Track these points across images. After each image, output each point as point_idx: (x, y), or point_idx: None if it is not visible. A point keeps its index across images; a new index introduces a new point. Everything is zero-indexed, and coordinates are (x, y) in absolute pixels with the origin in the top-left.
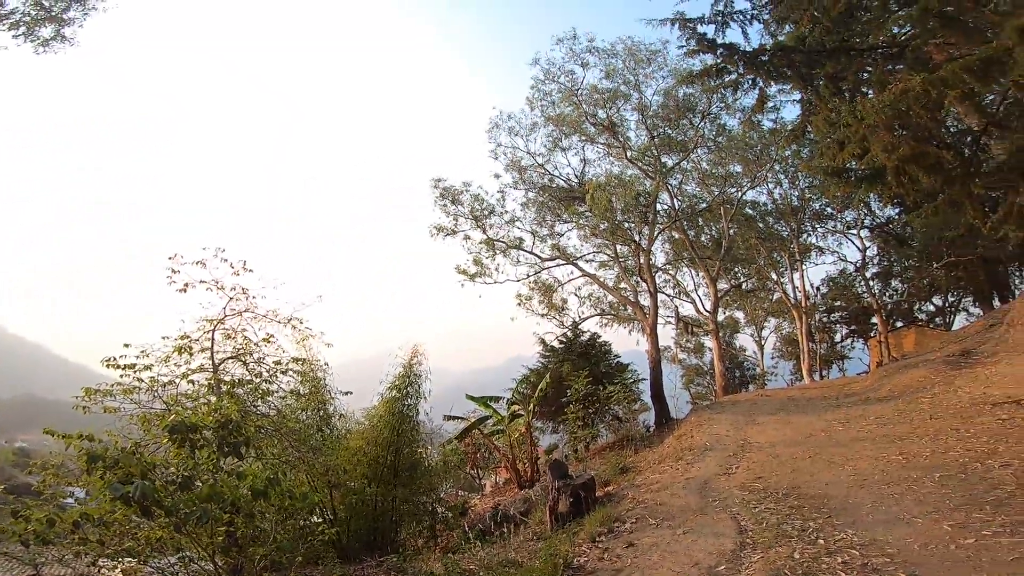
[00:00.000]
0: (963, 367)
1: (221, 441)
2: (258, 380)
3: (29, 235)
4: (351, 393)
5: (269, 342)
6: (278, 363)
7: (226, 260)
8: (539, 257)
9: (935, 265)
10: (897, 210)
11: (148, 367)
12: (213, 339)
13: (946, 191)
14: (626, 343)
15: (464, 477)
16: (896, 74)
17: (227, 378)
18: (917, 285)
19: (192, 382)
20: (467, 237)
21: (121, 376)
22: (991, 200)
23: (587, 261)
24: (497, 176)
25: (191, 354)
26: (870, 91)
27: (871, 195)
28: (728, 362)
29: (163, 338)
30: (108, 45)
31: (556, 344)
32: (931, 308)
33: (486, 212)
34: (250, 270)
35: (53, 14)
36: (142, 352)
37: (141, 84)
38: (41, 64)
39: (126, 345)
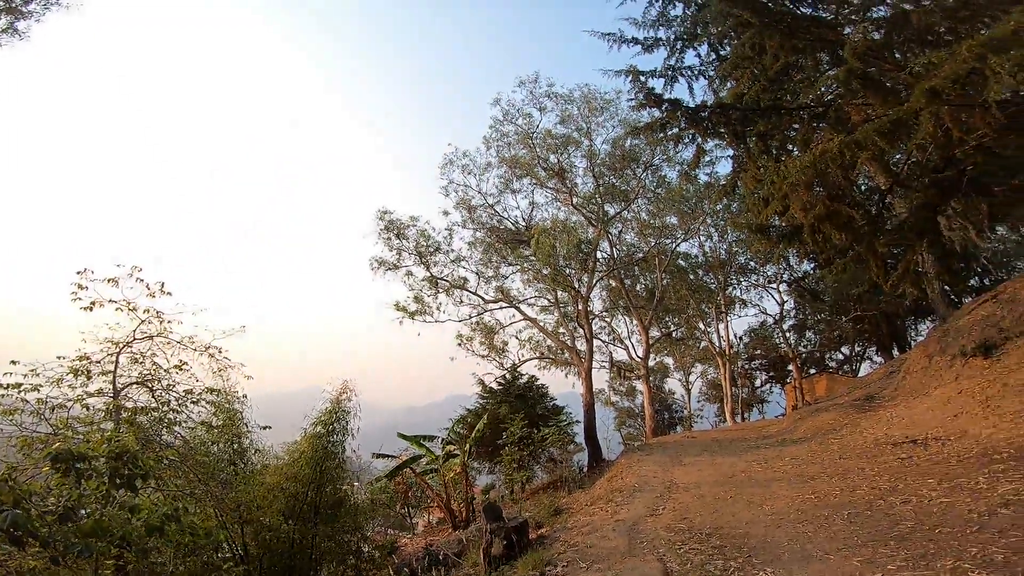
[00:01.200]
0: (867, 410)
1: (113, 472)
2: (165, 409)
3: None
4: (270, 428)
5: (181, 369)
6: (189, 392)
7: (142, 280)
8: (483, 299)
9: (844, 319)
10: (812, 266)
11: (36, 387)
12: (117, 362)
13: (854, 248)
14: (562, 386)
15: (395, 516)
16: (819, 133)
17: (129, 404)
18: (828, 336)
19: (87, 407)
20: (410, 273)
21: (1, 396)
22: (893, 257)
23: (529, 305)
24: (446, 213)
25: (89, 377)
26: (795, 149)
27: (790, 251)
28: (658, 405)
29: (59, 358)
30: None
31: (495, 385)
32: (840, 356)
33: (432, 249)
34: (168, 293)
35: (13, 5)
36: (31, 371)
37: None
38: None
39: (13, 362)
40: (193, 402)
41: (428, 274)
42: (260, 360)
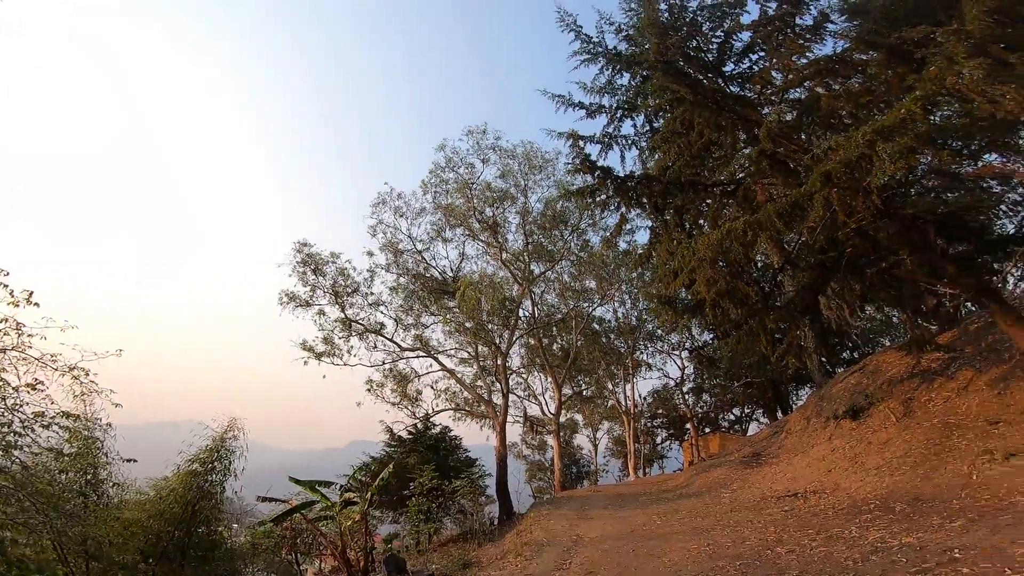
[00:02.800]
0: (755, 466)
1: None
2: (5, 430)
3: None
4: (135, 461)
5: (35, 389)
6: (40, 415)
7: (6, 286)
8: (399, 346)
9: (736, 384)
10: (711, 336)
11: None
12: None
13: (748, 323)
14: (477, 438)
15: (279, 562)
16: (728, 210)
17: None
18: (722, 399)
19: None
20: (322, 312)
21: None
22: (780, 332)
23: (448, 356)
24: (370, 254)
25: None
26: (705, 224)
27: (693, 322)
28: (567, 459)
29: None
30: None
31: (405, 434)
32: (732, 417)
33: (350, 290)
34: (36, 304)
35: None
36: None
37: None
38: None
39: None
40: (44, 426)
41: (343, 315)
42: (137, 384)
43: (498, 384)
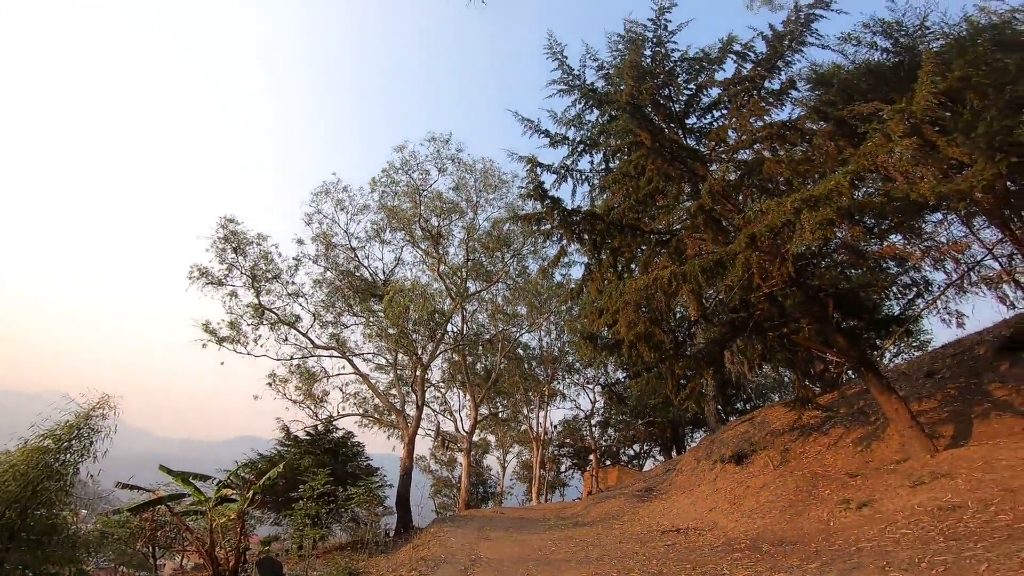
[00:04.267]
0: (646, 500)
1: None
2: None
3: None
4: None
5: None
6: None
7: None
8: (313, 342)
9: (640, 421)
10: (624, 375)
11: None
12: None
13: (658, 367)
14: (383, 447)
15: (133, 554)
16: (658, 258)
17: None
18: (625, 434)
19: None
20: (234, 294)
21: None
22: (686, 378)
23: (364, 360)
24: (300, 243)
25: None
26: (636, 269)
27: (609, 360)
28: (474, 478)
29: None
30: None
31: (302, 434)
32: (632, 452)
33: (270, 275)
34: None
35: None
36: None
37: None
38: None
39: None
40: None
41: (257, 301)
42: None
43: (413, 395)
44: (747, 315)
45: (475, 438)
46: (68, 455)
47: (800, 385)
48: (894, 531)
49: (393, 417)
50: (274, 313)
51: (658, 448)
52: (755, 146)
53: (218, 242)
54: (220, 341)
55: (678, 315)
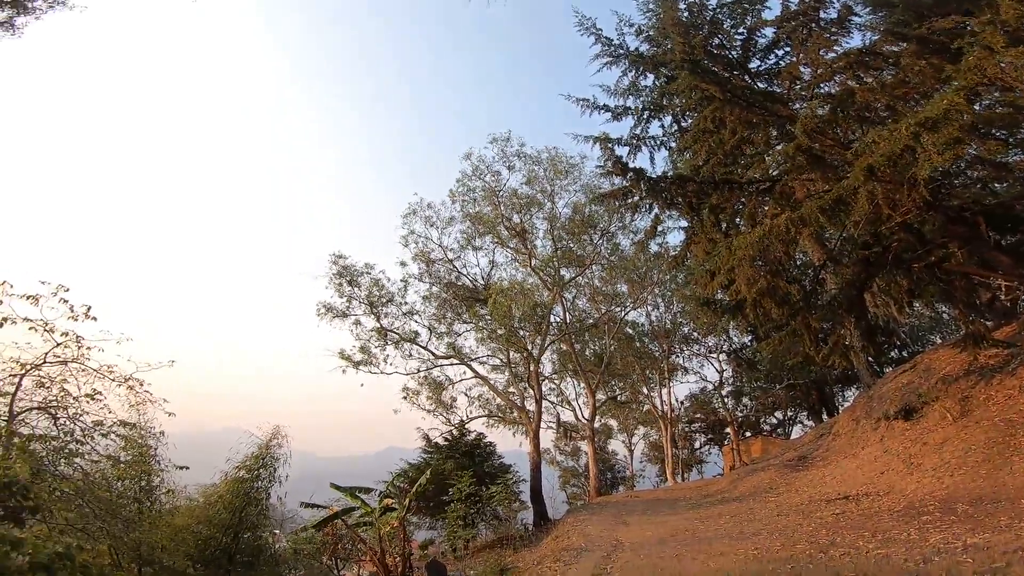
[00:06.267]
0: (801, 470)
1: None
2: (67, 438)
3: None
4: (187, 468)
5: (94, 399)
6: (99, 423)
7: (66, 301)
8: (433, 354)
9: (778, 386)
10: (751, 338)
11: None
12: (19, 385)
13: (790, 323)
14: (509, 444)
15: (320, 568)
16: (763, 208)
17: (26, 431)
18: (763, 402)
19: None
20: (358, 322)
21: None
22: (823, 331)
23: (481, 363)
24: (403, 264)
25: None
26: (742, 223)
27: (731, 324)
28: (601, 465)
29: None
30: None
31: (441, 441)
32: (774, 420)
33: (384, 300)
34: (93, 318)
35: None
36: None
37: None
38: None
39: None
40: (102, 434)
41: (378, 325)
42: (182, 394)
43: (531, 390)
44: (882, 249)
45: (596, 424)
46: (259, 482)
47: (967, 320)
48: None
49: (515, 414)
50: (395, 333)
51: (805, 413)
52: (836, 78)
53: (334, 278)
54: (356, 365)
55: (799, 263)
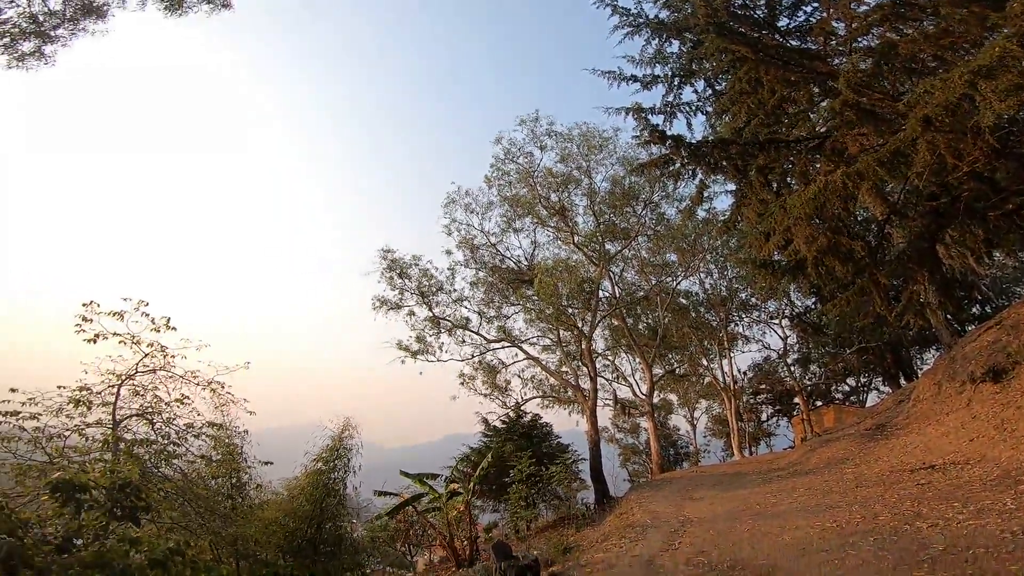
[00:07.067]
0: (879, 439)
1: (115, 504)
2: (164, 442)
3: None
4: (272, 464)
5: (183, 403)
6: (190, 426)
7: (147, 315)
8: (485, 338)
9: (848, 351)
10: (813, 300)
11: (35, 416)
12: (118, 394)
13: (856, 281)
14: (566, 424)
15: (394, 554)
16: (815, 165)
17: (128, 436)
18: (833, 368)
19: (84, 436)
20: (412, 313)
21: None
22: (894, 288)
23: (531, 344)
24: (449, 253)
25: (89, 407)
26: (793, 182)
27: (792, 286)
28: (663, 441)
29: (59, 387)
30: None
31: (499, 424)
32: (846, 388)
33: (434, 289)
34: (173, 328)
35: (43, 29)
36: (29, 399)
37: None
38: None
39: (12, 390)
40: (194, 436)
41: (430, 314)
42: (257, 395)
43: (584, 368)
44: (951, 199)
45: (655, 399)
46: (335, 473)
47: None
48: None
49: (570, 393)
50: (447, 320)
51: (880, 378)
52: (874, 31)
53: (384, 272)
54: (413, 355)
55: (859, 219)
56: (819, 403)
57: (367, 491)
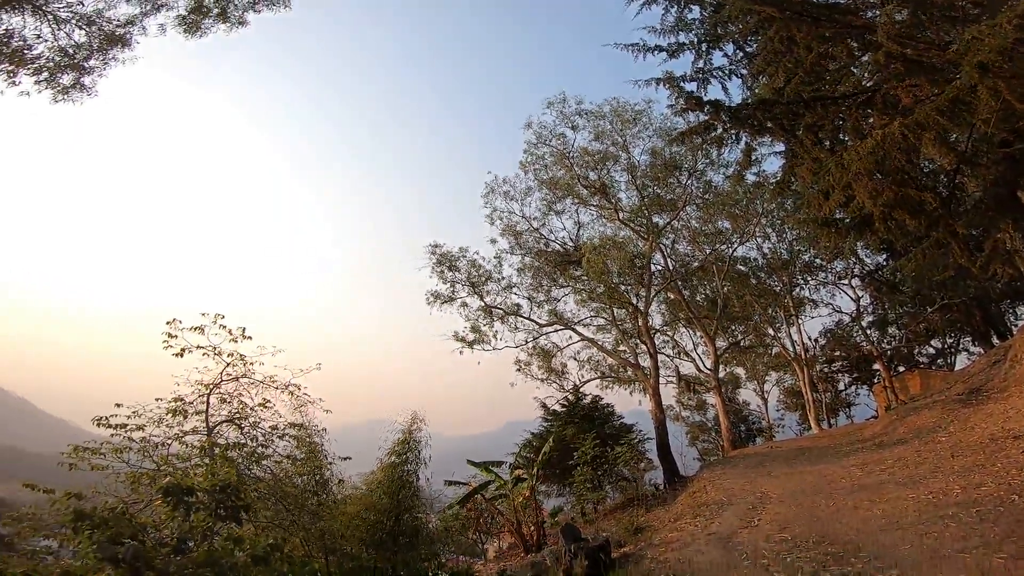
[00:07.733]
0: (974, 404)
1: (218, 505)
2: (253, 444)
3: (18, 293)
4: (350, 459)
5: (266, 407)
6: (274, 428)
7: (224, 327)
8: (537, 323)
9: (929, 309)
10: (885, 256)
11: (140, 427)
12: (208, 403)
13: (931, 233)
14: (628, 404)
15: (465, 543)
16: (867, 120)
17: (221, 441)
18: (914, 330)
19: (184, 443)
20: (464, 304)
21: (112, 435)
22: (975, 239)
23: (584, 325)
24: (494, 241)
25: (185, 416)
26: (846, 138)
27: (859, 243)
28: (733, 417)
29: (156, 400)
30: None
31: (558, 408)
32: (931, 351)
33: (483, 278)
34: (248, 337)
35: (76, 62)
36: (133, 412)
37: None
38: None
39: (118, 405)
40: (279, 437)
41: (482, 303)
42: (328, 393)
43: (643, 346)
44: None
45: (721, 374)
46: (408, 465)
47: None
48: None
49: (629, 372)
50: (499, 308)
51: (969, 338)
52: None
53: (435, 266)
54: (470, 345)
55: (926, 170)
56: (902, 368)
57: (436, 482)
